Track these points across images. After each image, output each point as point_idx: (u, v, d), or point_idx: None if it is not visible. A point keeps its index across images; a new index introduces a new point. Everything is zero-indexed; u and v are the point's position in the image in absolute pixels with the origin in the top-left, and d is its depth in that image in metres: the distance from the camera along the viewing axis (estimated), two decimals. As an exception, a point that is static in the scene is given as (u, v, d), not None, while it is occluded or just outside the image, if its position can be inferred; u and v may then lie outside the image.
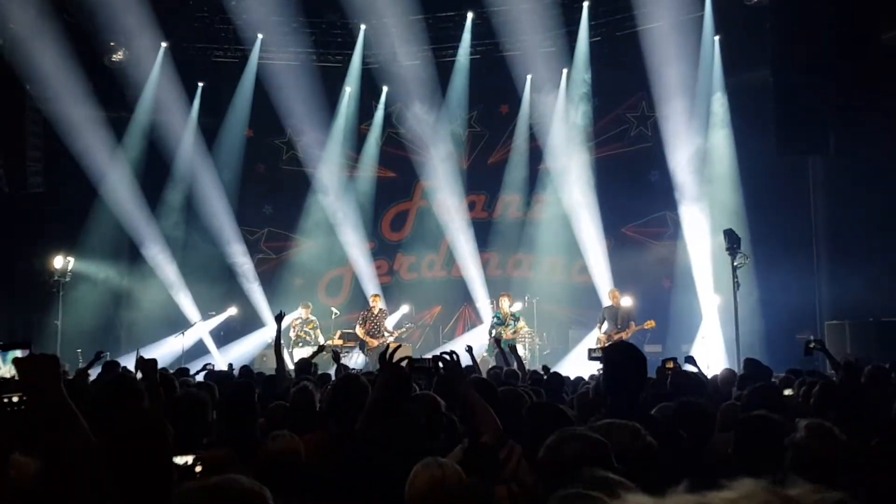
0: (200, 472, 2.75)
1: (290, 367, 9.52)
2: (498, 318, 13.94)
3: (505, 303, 13.94)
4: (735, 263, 11.75)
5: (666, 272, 15.97)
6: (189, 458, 2.78)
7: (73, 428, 2.30)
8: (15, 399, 2.40)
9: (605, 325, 13.51)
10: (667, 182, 15.84)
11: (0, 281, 14.46)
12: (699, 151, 15.43)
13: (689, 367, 8.03)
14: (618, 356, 3.98)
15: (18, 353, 2.40)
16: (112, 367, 7.58)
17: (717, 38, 15.33)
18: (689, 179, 15.34)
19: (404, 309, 16.19)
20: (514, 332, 13.72)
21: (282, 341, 7.84)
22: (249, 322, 17.06)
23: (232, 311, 16.36)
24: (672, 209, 16.01)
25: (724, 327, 13.48)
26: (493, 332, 13.66)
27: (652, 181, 16.12)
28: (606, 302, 14.10)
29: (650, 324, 13.06)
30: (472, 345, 8.63)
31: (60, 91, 14.62)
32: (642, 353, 4.01)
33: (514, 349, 8.95)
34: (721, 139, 15.30)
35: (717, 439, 4.40)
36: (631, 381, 3.86)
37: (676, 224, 15.90)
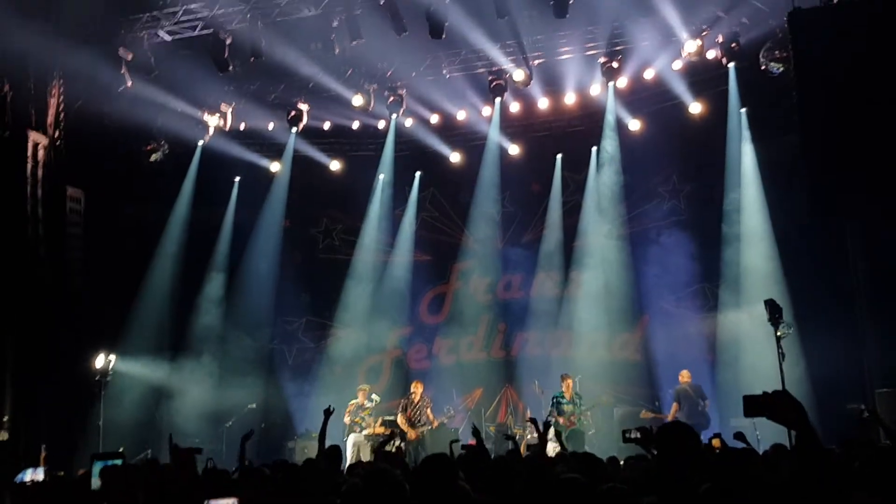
0: None
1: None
2: (560, 397, 13.95)
3: (567, 385, 14.10)
4: (778, 334, 11.52)
5: (708, 345, 15.71)
6: None
7: None
8: None
9: (685, 407, 13.78)
10: (703, 254, 15.77)
11: (43, 380, 14.61)
12: (733, 221, 15.38)
13: (739, 443, 7.82)
14: (672, 438, 3.84)
15: (110, 463, 2.42)
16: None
17: (743, 110, 15.41)
18: (725, 251, 15.24)
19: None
20: (586, 410, 14.07)
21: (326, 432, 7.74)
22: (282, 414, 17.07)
23: (251, 405, 16.21)
24: (710, 281, 15.88)
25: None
26: (554, 413, 13.86)
27: (687, 254, 15.98)
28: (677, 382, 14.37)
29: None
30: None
31: (101, 191, 15.07)
32: (697, 436, 3.88)
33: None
34: (754, 208, 15.22)
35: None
36: (685, 465, 3.72)
37: (715, 296, 15.74)
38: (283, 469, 6.32)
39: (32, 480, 5.12)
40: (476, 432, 7.74)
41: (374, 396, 15.82)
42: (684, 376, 14.52)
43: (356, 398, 14.88)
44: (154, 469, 6.54)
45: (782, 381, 11.54)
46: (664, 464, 3.80)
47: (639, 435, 6.38)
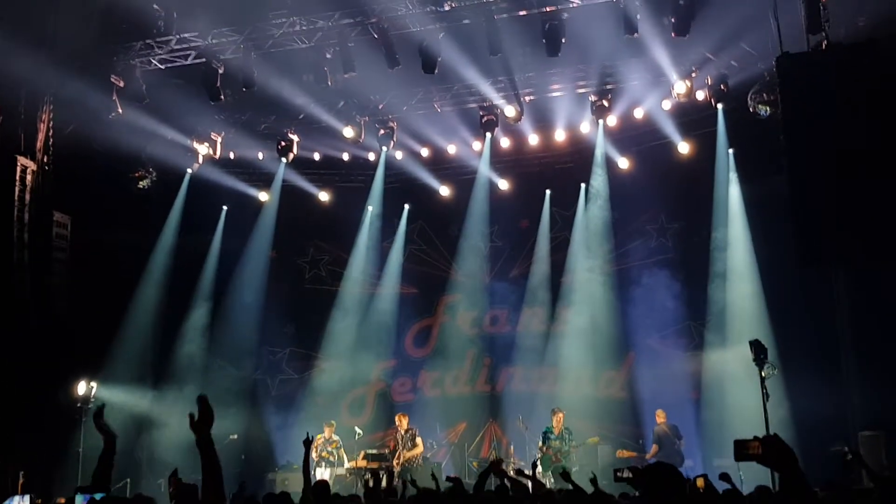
0: None
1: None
2: (549, 431, 13.95)
3: (558, 419, 14.17)
4: (763, 374, 11.53)
5: (693, 384, 15.70)
6: None
7: None
8: None
9: (664, 447, 14.01)
10: (689, 292, 15.84)
11: (23, 408, 14.44)
12: (719, 260, 15.47)
13: (724, 484, 7.78)
14: (658, 480, 3.83)
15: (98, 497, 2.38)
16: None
17: (731, 150, 15.55)
18: (712, 289, 15.31)
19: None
20: (575, 447, 14.15)
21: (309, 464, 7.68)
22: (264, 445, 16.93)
23: (232, 436, 16.05)
24: (695, 320, 15.95)
25: (756, 440, 13.09)
26: (544, 447, 13.98)
27: (674, 292, 16.02)
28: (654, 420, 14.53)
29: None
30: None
31: (88, 217, 15.01)
32: (682, 476, 3.88)
33: (566, 475, 8.63)
34: (740, 247, 15.30)
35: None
36: None
37: (701, 334, 15.78)
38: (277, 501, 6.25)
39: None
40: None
41: (357, 430, 15.76)
42: (661, 416, 14.60)
43: (323, 433, 14.82)
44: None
45: (766, 421, 11.53)
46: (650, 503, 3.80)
47: (630, 474, 6.36)
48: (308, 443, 7.56)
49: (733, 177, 15.56)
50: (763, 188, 15.02)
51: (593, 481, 8.10)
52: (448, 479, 8.25)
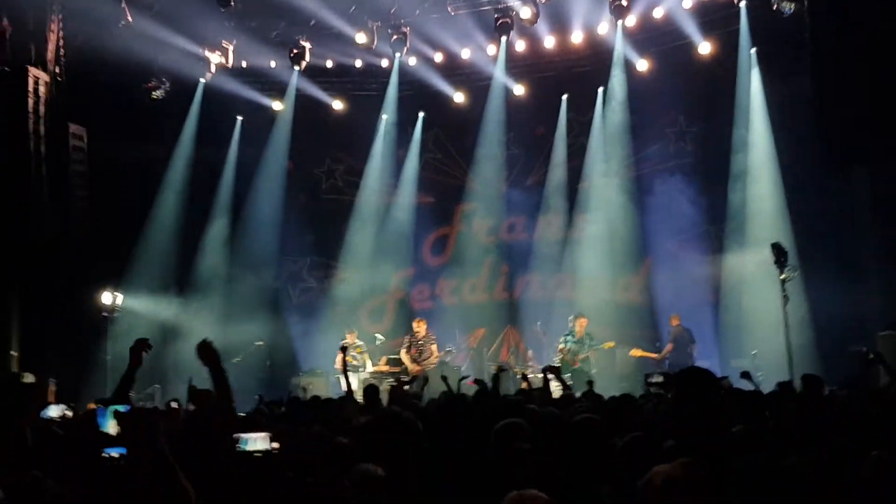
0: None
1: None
2: (572, 336, 14.12)
3: (581, 324, 14.31)
4: (783, 277, 11.55)
5: (712, 288, 15.75)
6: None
7: (173, 482, 2.30)
8: (115, 455, 2.41)
9: (677, 349, 14.45)
10: (708, 196, 15.74)
11: (51, 318, 14.70)
12: (740, 162, 15.31)
13: (745, 384, 7.91)
14: (693, 383, 3.80)
15: (120, 409, 2.42)
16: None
17: (753, 50, 15.21)
18: (731, 193, 15.21)
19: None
20: (594, 351, 14.36)
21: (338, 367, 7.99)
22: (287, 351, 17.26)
23: (258, 343, 16.33)
24: (715, 224, 15.87)
25: (775, 341, 13.20)
26: (564, 349, 14.21)
27: (692, 196, 15.92)
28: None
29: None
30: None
31: (102, 129, 14.94)
32: (717, 379, 3.85)
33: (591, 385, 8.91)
34: (761, 148, 15.13)
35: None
36: (707, 412, 3.68)
37: (720, 238, 15.74)
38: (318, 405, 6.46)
39: (63, 416, 5.15)
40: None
41: (377, 336, 16.01)
42: (675, 319, 14.80)
43: (345, 340, 15.01)
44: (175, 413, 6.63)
45: (785, 323, 11.63)
46: (684, 408, 3.76)
47: (661, 379, 6.43)
48: (344, 349, 7.77)
49: (755, 77, 15.25)
50: (785, 88, 14.78)
51: (590, 383, 8.30)
52: (476, 381, 8.44)
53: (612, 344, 14.91)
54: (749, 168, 15.18)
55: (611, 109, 16.91)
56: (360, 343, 15.18)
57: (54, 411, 7.04)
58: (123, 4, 14.02)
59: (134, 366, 4.75)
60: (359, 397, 9.04)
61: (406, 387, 9.19)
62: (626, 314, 16.38)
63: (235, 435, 2.79)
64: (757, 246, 13.91)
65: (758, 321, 13.97)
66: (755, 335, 13.85)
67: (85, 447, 3.46)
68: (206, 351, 4.34)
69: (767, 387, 8.40)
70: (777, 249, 11.64)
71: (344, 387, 8.99)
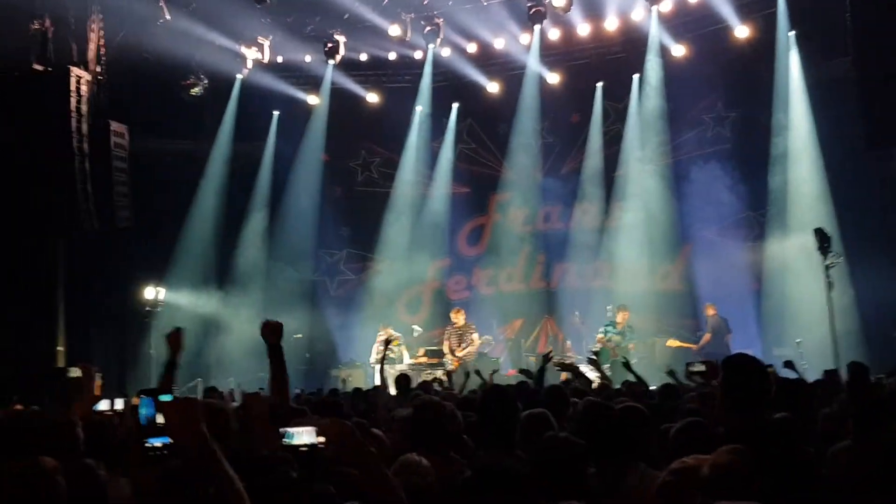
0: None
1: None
2: (612, 327, 14.14)
3: (623, 316, 14.26)
4: (827, 263, 11.38)
5: (753, 275, 15.55)
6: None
7: (218, 472, 2.32)
8: (159, 444, 2.43)
9: (714, 338, 14.17)
10: (748, 182, 15.52)
11: (95, 313, 15.00)
12: (780, 150, 15.08)
13: (788, 373, 7.80)
14: (740, 371, 3.78)
15: (164, 398, 2.44)
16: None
17: (792, 32, 14.97)
18: (772, 179, 15.00)
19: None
20: (633, 345, 14.24)
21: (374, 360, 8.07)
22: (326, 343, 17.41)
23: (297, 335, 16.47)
24: (755, 210, 15.65)
25: (818, 329, 13.02)
26: (605, 339, 14.19)
27: (732, 183, 15.71)
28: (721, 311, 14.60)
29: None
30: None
31: (143, 126, 15.16)
32: (764, 366, 3.82)
33: (627, 365, 8.92)
34: (802, 133, 14.87)
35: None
36: (755, 399, 3.65)
37: (761, 224, 15.53)
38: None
39: (111, 409, 5.26)
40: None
41: (415, 327, 16.10)
42: (712, 308, 14.65)
43: (380, 334, 15.26)
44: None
45: (830, 310, 11.46)
46: (731, 395, 3.74)
47: (703, 368, 6.36)
48: (387, 342, 7.84)
49: (794, 59, 15.01)
50: (825, 70, 14.53)
51: (671, 373, 8.18)
52: (521, 371, 8.49)
53: (656, 340, 14.84)
54: (789, 152, 14.93)
55: (646, 96, 16.75)
56: (398, 335, 15.28)
57: (103, 404, 7.18)
58: (161, 3, 14.18)
59: (175, 353, 4.81)
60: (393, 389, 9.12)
61: (437, 386, 9.17)
62: (666, 303, 16.25)
63: (281, 429, 2.81)
64: (799, 231, 13.71)
65: (801, 309, 13.76)
66: (798, 323, 13.65)
67: (130, 438, 3.51)
68: (272, 329, 4.51)
69: (812, 376, 8.29)
70: (820, 235, 11.47)
71: (378, 380, 9.08)
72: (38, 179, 13.17)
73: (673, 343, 14.74)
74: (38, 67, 13.31)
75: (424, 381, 9.45)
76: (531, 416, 4.31)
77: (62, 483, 2.64)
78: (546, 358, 8.68)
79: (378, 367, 14.09)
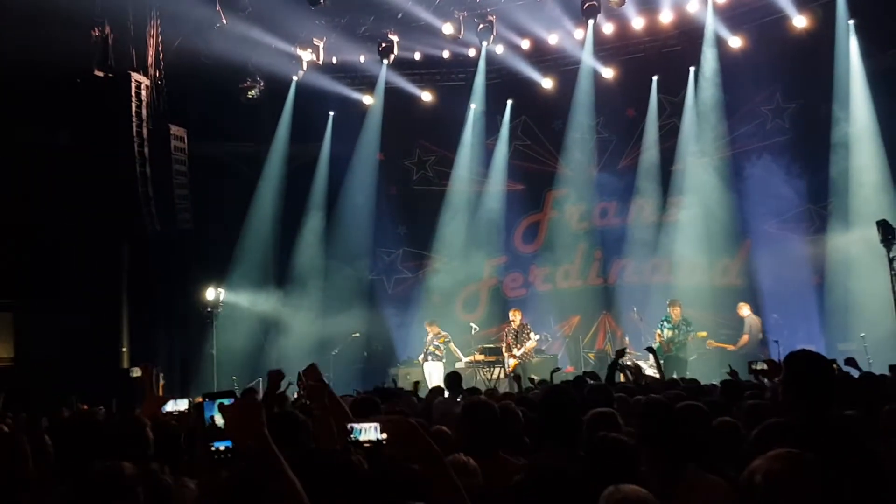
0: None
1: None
2: (668, 321, 14.04)
3: (675, 311, 14.11)
4: (891, 255, 11.14)
5: (815, 269, 15.21)
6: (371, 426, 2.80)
7: (279, 475, 2.34)
8: (222, 448, 2.47)
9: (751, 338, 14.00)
10: (809, 175, 15.20)
11: (157, 314, 15.36)
12: (841, 139, 14.73)
13: (851, 370, 7.64)
14: (804, 367, 3.72)
15: (225, 402, 2.49)
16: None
17: (851, 21, 14.61)
18: (833, 170, 14.66)
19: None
20: (691, 338, 14.08)
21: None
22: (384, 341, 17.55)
23: (355, 334, 16.66)
24: (816, 203, 15.32)
25: (883, 323, 12.69)
26: (661, 336, 14.00)
27: (792, 175, 15.39)
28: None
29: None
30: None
31: (201, 129, 15.48)
32: (829, 362, 3.75)
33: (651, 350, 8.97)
34: (864, 123, 14.51)
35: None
36: (819, 396, 3.58)
37: (822, 217, 15.20)
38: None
39: (176, 410, 5.38)
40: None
41: (472, 325, 16.16)
42: (747, 308, 14.44)
43: (427, 334, 15.43)
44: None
45: (894, 303, 11.20)
46: (793, 393, 3.68)
47: (765, 366, 6.32)
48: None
49: (854, 49, 14.65)
50: (885, 59, 14.17)
51: (733, 373, 8.08)
52: (585, 373, 8.49)
53: (704, 334, 14.56)
54: (850, 142, 14.58)
55: (702, 89, 16.52)
56: (445, 333, 15.36)
57: (169, 405, 7.35)
58: (218, 7, 14.44)
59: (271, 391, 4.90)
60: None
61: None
62: (726, 298, 15.97)
63: (349, 425, 2.85)
64: (861, 224, 13.42)
65: (865, 303, 13.45)
66: (863, 317, 13.33)
67: (194, 441, 3.57)
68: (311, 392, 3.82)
69: (877, 371, 8.12)
70: (884, 227, 11.27)
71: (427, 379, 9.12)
72: (101, 184, 13.53)
73: (712, 344, 14.51)
74: (100, 74, 13.70)
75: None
76: (598, 414, 4.30)
77: (140, 494, 2.70)
78: (620, 353, 8.66)
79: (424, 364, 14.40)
